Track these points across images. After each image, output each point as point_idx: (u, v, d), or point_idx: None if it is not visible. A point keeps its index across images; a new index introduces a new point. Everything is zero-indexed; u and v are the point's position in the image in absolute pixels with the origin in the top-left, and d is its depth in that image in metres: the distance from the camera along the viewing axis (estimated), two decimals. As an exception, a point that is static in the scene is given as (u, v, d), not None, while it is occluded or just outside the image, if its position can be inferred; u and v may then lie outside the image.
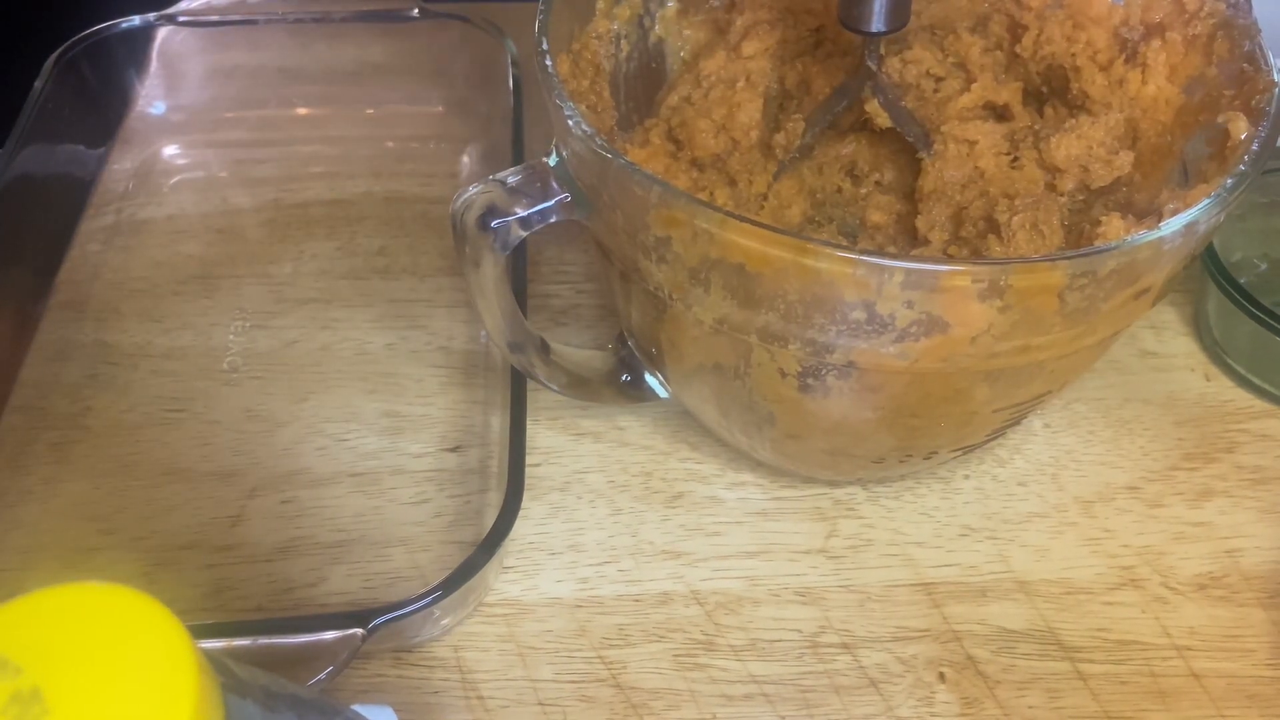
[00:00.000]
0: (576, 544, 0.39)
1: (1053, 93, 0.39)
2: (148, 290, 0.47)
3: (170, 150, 0.53)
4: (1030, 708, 0.35)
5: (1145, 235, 0.28)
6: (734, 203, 0.38)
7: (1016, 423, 0.36)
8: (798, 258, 0.27)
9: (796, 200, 0.40)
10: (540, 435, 0.42)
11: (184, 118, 0.54)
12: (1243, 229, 0.46)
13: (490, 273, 0.33)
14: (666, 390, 0.39)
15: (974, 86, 0.39)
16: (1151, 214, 0.31)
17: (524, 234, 0.33)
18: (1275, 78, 0.32)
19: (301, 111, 0.55)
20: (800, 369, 0.31)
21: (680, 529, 0.40)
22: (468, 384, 0.44)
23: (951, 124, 0.37)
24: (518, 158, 0.47)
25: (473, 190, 0.32)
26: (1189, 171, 0.35)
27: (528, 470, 0.39)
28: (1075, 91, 0.38)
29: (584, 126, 0.30)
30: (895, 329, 0.28)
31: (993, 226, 0.35)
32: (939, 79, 0.40)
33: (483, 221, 0.32)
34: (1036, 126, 0.38)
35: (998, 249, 0.34)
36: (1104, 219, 0.31)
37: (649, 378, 0.39)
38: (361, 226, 0.50)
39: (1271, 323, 0.41)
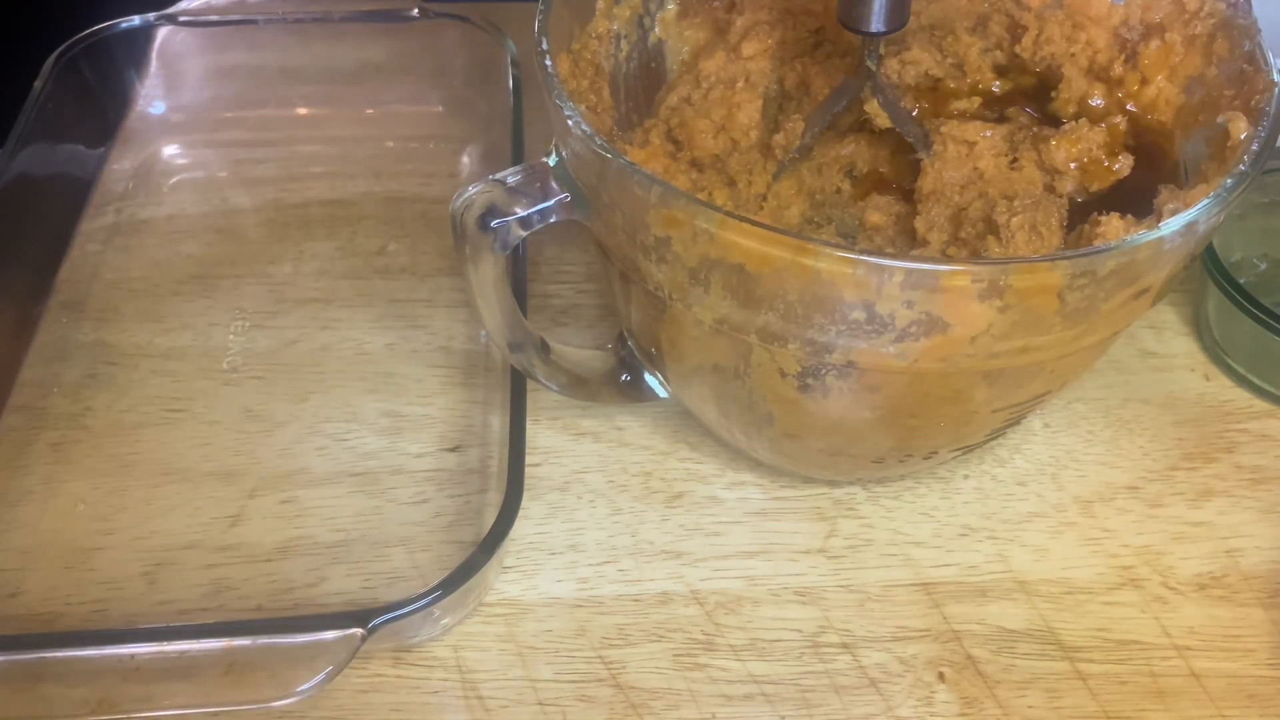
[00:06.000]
0: (576, 544, 0.39)
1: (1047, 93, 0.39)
2: (148, 290, 0.47)
3: (170, 150, 0.53)
4: (1030, 707, 0.35)
5: (1145, 235, 0.28)
6: (733, 203, 0.38)
7: (1016, 423, 0.36)
8: (797, 258, 0.27)
9: (796, 201, 0.40)
10: (540, 435, 0.42)
11: (184, 118, 0.54)
12: (1243, 229, 0.46)
13: (490, 273, 0.33)
14: (666, 390, 0.39)
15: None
16: (1151, 214, 0.31)
17: (524, 234, 0.33)
18: (1275, 78, 0.32)
19: (301, 111, 0.55)
20: (800, 369, 0.31)
21: (680, 529, 0.40)
22: (468, 384, 0.44)
23: (951, 125, 0.37)
24: (518, 158, 0.47)
25: (473, 190, 0.32)
26: (1189, 171, 0.35)
27: (528, 470, 0.39)
28: (1073, 93, 0.38)
29: (584, 126, 0.30)
30: (895, 329, 0.28)
31: (991, 228, 0.35)
32: (937, 80, 0.40)
33: (483, 221, 0.32)
34: (1035, 128, 0.38)
35: (997, 250, 0.34)
36: (1104, 219, 0.31)
37: (649, 378, 0.39)
38: (361, 226, 0.50)
39: (1271, 323, 0.41)
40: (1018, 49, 0.40)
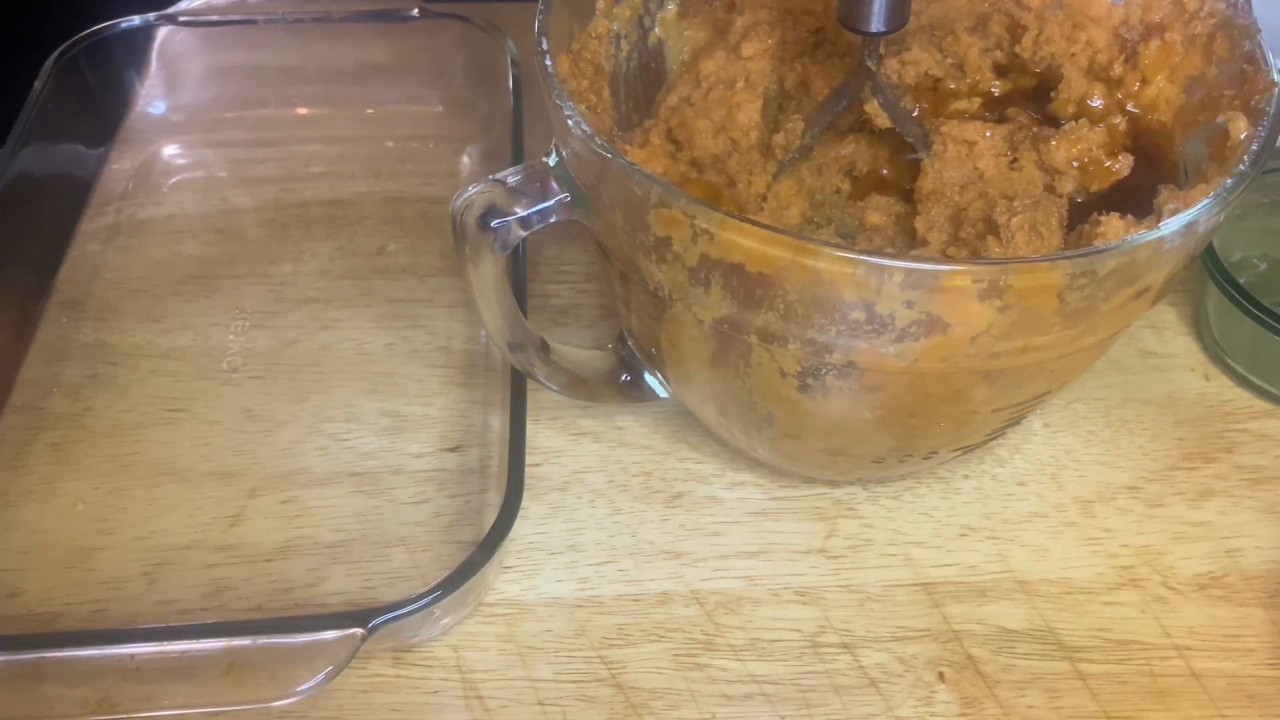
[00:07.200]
0: (576, 544, 0.39)
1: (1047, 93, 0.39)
2: (148, 290, 0.47)
3: (170, 150, 0.53)
4: (1030, 707, 0.35)
5: (1145, 235, 0.28)
6: (733, 203, 0.38)
7: (1016, 423, 0.36)
8: (797, 258, 0.27)
9: (796, 201, 0.40)
10: (540, 435, 0.42)
11: (184, 118, 0.54)
12: (1243, 229, 0.46)
13: (490, 273, 0.33)
14: (666, 390, 0.39)
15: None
16: (1151, 214, 0.31)
17: (524, 234, 0.33)
18: (1275, 78, 0.32)
19: (301, 111, 0.55)
20: (800, 369, 0.31)
21: (680, 529, 0.40)
22: (468, 384, 0.44)
23: (950, 125, 0.37)
24: (518, 158, 0.47)
25: (473, 190, 0.32)
26: (1189, 171, 0.35)
27: (527, 470, 0.39)
28: (1073, 93, 0.38)
29: (584, 126, 0.30)
30: (895, 329, 0.28)
31: (991, 228, 0.35)
32: (937, 80, 0.40)
33: (483, 221, 0.32)
34: (1035, 128, 0.38)
35: (996, 250, 0.34)
36: (1104, 219, 0.31)
37: (649, 378, 0.39)
38: (361, 226, 0.50)
39: (1271, 323, 0.41)
40: (1018, 49, 0.40)
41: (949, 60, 0.40)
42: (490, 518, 0.35)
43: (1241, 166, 0.30)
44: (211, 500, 0.40)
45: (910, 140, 0.38)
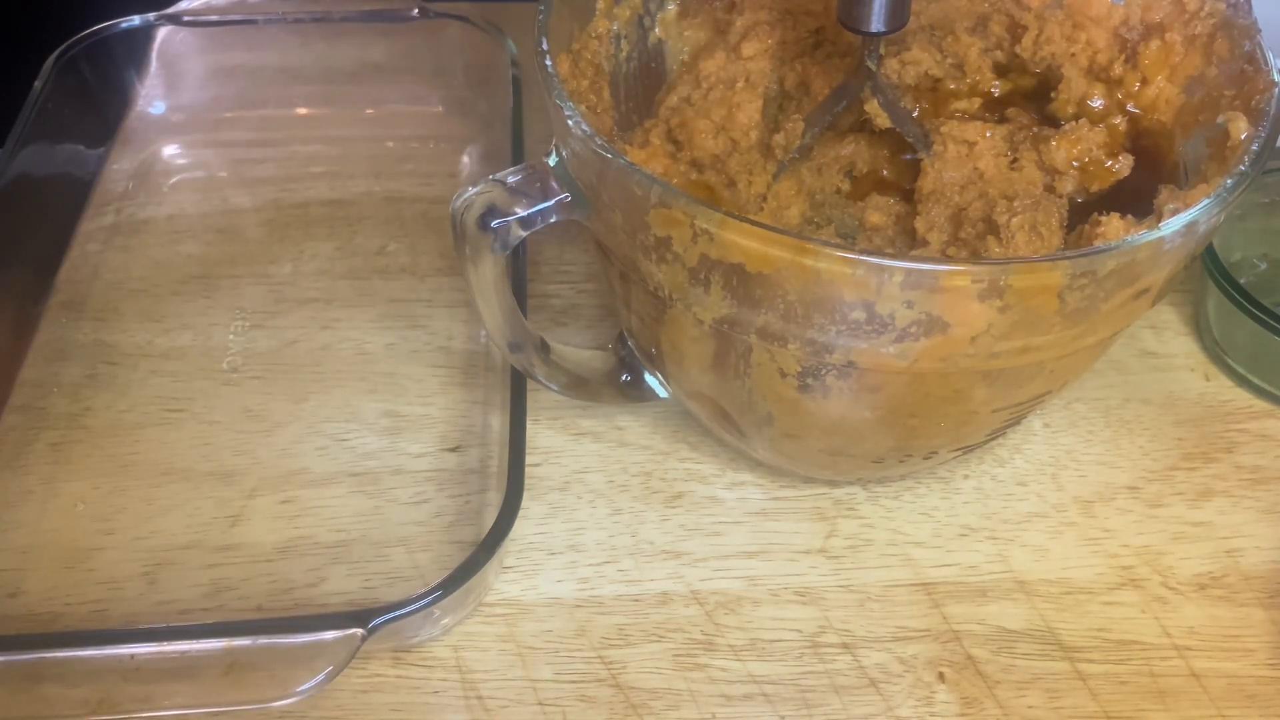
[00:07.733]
0: (576, 544, 0.39)
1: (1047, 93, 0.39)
2: (148, 290, 0.47)
3: (170, 150, 0.53)
4: (1030, 708, 0.35)
5: (1145, 235, 0.28)
6: (733, 203, 0.38)
7: (1016, 423, 0.36)
8: (797, 258, 0.27)
9: (796, 201, 0.40)
10: (540, 435, 0.42)
11: (184, 118, 0.54)
12: (1243, 229, 0.46)
13: (490, 273, 0.34)
14: (666, 390, 0.39)
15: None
16: (1151, 214, 0.31)
17: (524, 234, 0.33)
18: (1275, 78, 0.32)
19: (301, 111, 0.55)
20: (800, 369, 0.31)
21: (680, 529, 0.40)
22: (468, 384, 0.44)
23: (950, 125, 0.37)
24: (518, 158, 0.47)
25: (473, 190, 0.32)
26: (1189, 171, 0.35)
27: (528, 470, 0.39)
28: (1073, 94, 0.38)
29: (584, 126, 0.30)
30: (895, 329, 0.28)
31: (991, 228, 0.35)
32: (937, 80, 0.40)
33: (483, 221, 0.32)
34: (1035, 128, 0.38)
35: (997, 250, 0.34)
36: (1104, 219, 0.31)
37: (649, 378, 0.39)
38: (361, 226, 0.50)
39: (1271, 323, 0.41)
40: (1018, 49, 0.40)
41: (949, 60, 0.40)
42: (490, 518, 0.35)
43: (1241, 167, 0.30)
44: (211, 500, 0.40)
45: (910, 140, 0.38)
